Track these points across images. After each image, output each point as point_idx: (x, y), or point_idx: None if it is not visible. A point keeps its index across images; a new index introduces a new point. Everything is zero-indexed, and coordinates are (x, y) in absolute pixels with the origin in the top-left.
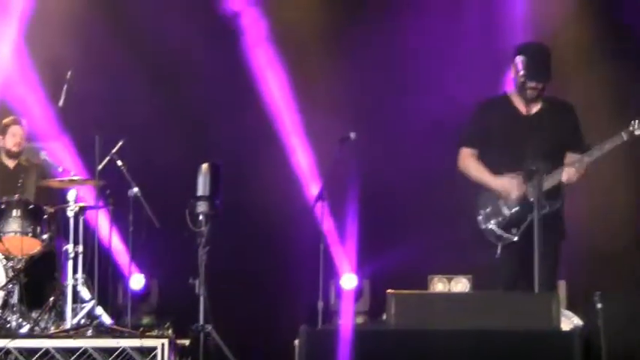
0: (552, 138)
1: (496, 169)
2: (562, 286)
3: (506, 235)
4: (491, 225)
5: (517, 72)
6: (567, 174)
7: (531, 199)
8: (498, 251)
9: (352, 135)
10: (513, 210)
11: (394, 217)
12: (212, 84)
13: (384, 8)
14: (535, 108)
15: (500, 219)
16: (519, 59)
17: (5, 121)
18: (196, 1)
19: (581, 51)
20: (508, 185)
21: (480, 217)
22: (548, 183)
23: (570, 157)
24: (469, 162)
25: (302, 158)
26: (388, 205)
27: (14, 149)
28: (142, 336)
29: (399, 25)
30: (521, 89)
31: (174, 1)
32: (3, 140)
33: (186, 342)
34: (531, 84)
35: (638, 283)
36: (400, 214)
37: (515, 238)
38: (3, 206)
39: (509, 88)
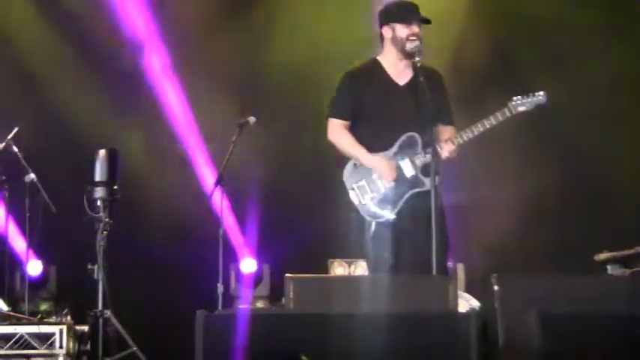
0: (425, 107)
1: (370, 141)
2: (460, 268)
3: (381, 212)
4: (365, 201)
5: (392, 30)
6: (447, 150)
7: (408, 175)
8: (372, 229)
9: (251, 119)
10: (389, 186)
11: (294, 201)
12: (108, 72)
13: None
14: (407, 76)
15: (375, 194)
16: (390, 16)
17: None
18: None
19: None
20: (383, 165)
21: (353, 192)
22: (425, 159)
23: (445, 130)
24: (340, 133)
25: (199, 144)
26: (288, 190)
27: None
28: (39, 322)
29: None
30: (400, 44)
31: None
32: None
33: (85, 328)
34: (411, 29)
35: (533, 265)
36: (300, 198)
37: (393, 216)
38: None
39: (379, 54)
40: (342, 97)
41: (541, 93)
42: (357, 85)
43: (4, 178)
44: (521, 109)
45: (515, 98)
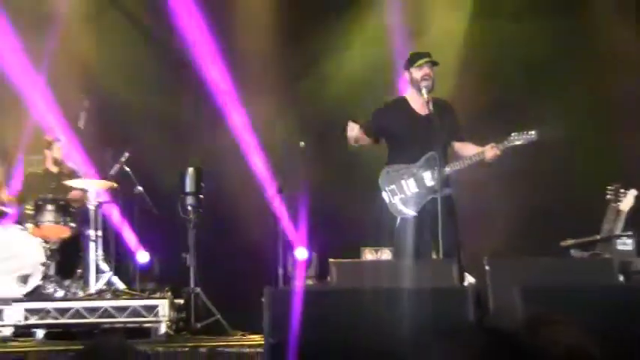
0: (442, 134)
1: (400, 156)
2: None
3: (405, 210)
4: (395, 200)
5: (410, 74)
6: (493, 154)
7: (428, 184)
8: (397, 223)
9: (301, 144)
10: (414, 191)
11: (335, 204)
12: (188, 96)
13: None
14: (426, 109)
15: (402, 196)
16: (408, 63)
17: (49, 139)
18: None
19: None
20: (355, 130)
21: (385, 193)
22: (449, 169)
23: (464, 145)
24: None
25: (262, 163)
26: (331, 196)
27: (59, 159)
28: (147, 297)
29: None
30: (417, 84)
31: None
32: (50, 152)
33: (181, 301)
34: (423, 71)
35: (518, 247)
36: (340, 202)
37: (414, 214)
38: (41, 202)
39: (404, 93)
40: (371, 123)
41: (533, 132)
42: (387, 115)
43: (118, 189)
44: (518, 143)
45: (513, 134)
